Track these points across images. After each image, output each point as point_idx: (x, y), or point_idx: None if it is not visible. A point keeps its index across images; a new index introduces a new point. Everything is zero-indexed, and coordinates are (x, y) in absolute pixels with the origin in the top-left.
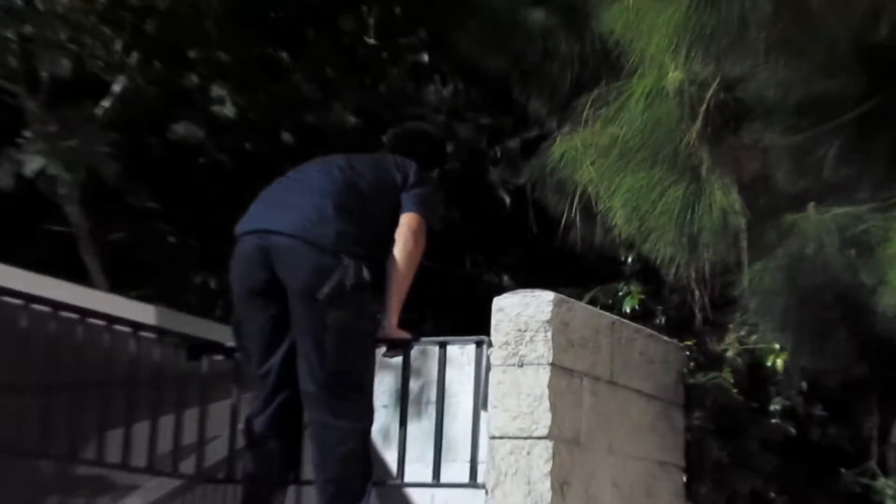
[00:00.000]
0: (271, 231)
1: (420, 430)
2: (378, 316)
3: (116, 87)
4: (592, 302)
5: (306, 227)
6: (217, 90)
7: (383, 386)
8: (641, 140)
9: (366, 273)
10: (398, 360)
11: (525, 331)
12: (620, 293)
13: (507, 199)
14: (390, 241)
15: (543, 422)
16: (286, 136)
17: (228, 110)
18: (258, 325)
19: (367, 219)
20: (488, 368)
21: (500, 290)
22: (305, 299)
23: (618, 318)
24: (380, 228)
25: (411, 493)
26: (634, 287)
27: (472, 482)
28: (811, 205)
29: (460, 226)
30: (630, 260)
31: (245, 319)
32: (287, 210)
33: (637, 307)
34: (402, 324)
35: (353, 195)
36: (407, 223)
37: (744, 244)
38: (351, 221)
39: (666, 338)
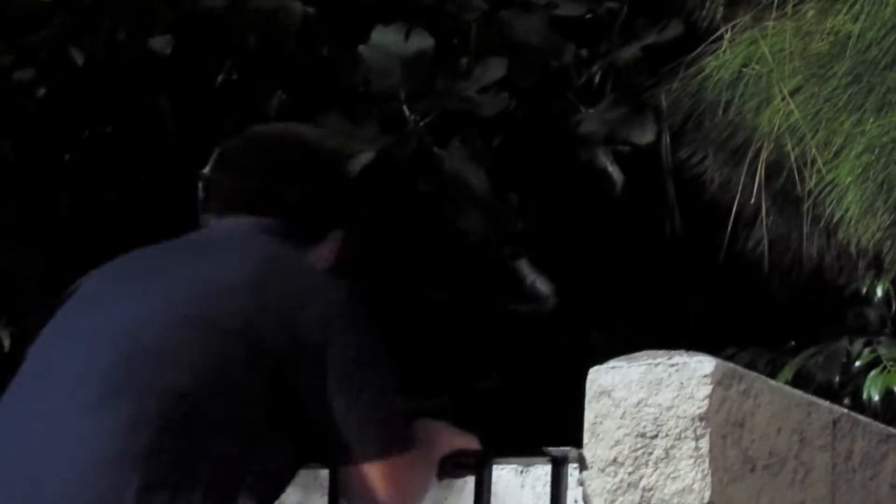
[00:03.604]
0: None
1: None
2: None
3: None
4: (798, 378)
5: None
6: None
7: None
8: None
9: None
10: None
11: (656, 437)
12: (858, 361)
13: (617, 177)
14: None
15: None
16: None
17: None
18: None
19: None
20: None
21: (598, 350)
22: None
23: (848, 412)
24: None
25: None
26: (888, 350)
27: None
28: None
29: (520, 233)
30: (880, 292)
31: None
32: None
33: None
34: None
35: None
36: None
37: None
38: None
39: None
